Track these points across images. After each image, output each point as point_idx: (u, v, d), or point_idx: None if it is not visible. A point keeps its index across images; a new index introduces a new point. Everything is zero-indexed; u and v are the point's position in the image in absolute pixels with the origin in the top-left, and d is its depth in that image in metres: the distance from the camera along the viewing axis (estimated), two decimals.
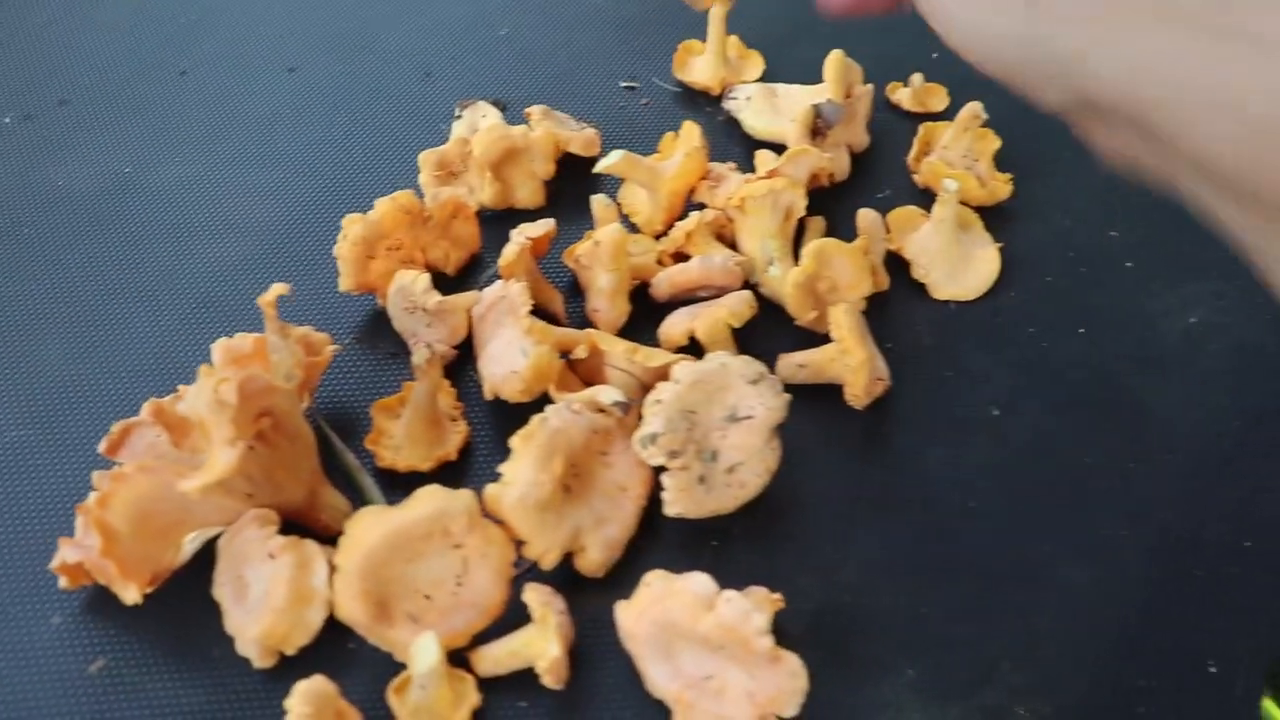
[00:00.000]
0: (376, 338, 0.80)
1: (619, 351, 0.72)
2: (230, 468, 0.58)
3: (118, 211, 0.90)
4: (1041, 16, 0.37)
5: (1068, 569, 0.70)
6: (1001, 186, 0.89)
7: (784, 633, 0.64)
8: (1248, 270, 0.84)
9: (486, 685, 0.63)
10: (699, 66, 0.98)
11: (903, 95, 0.98)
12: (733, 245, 0.82)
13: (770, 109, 0.92)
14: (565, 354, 0.74)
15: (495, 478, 0.64)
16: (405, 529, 0.61)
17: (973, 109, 0.89)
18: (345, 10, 1.11)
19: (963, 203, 0.87)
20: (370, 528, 0.61)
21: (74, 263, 0.86)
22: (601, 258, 0.76)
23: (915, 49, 1.04)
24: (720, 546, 0.70)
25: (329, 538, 0.65)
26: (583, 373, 0.75)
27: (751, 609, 0.57)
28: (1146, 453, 0.76)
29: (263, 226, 0.89)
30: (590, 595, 0.67)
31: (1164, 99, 0.33)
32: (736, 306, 0.74)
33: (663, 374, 0.68)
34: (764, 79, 0.99)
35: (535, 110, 0.89)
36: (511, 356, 0.70)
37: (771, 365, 0.76)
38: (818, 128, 0.86)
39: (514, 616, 0.64)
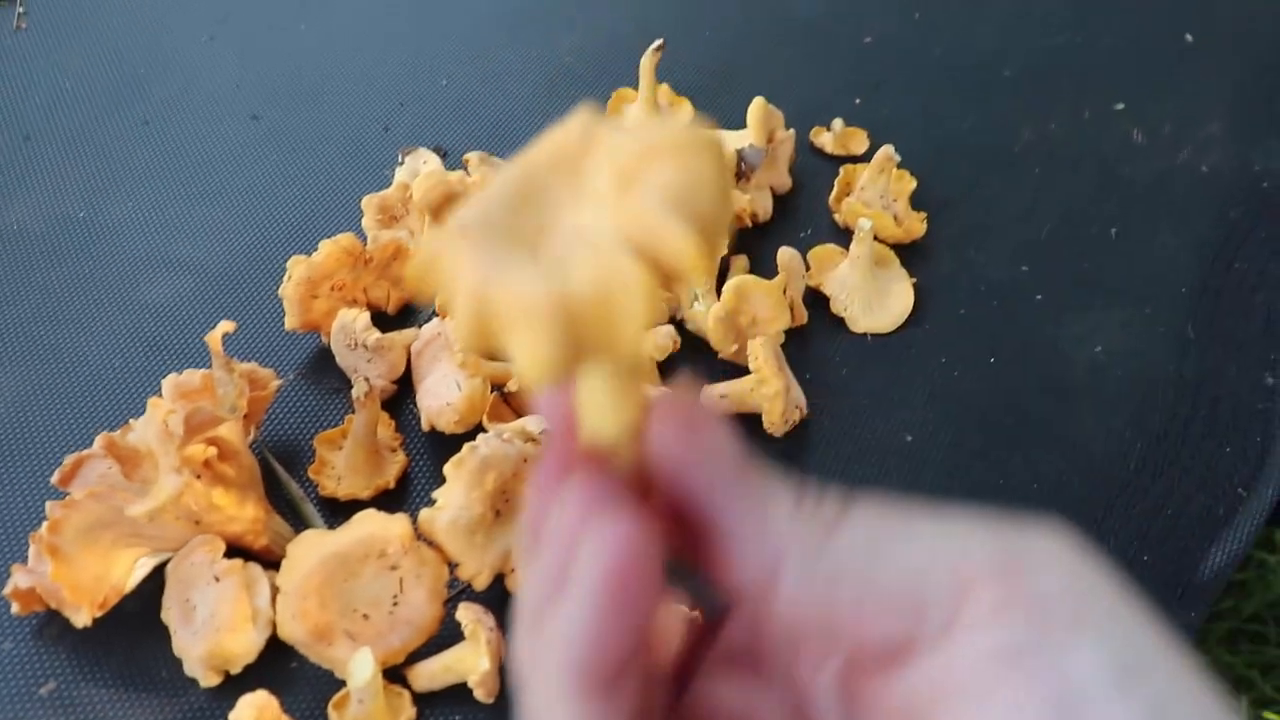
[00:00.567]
0: (320, 373, 0.84)
1: None
2: (175, 493, 0.62)
3: (70, 249, 0.94)
4: None
5: None
6: (917, 224, 0.94)
7: None
8: (1151, 301, 0.90)
9: (422, 700, 0.67)
10: (631, 113, 1.03)
11: (825, 139, 1.03)
12: None
13: None
14: (498, 387, 0.78)
15: (432, 504, 0.68)
16: (343, 551, 0.65)
17: (885, 152, 0.94)
18: (291, 60, 1.15)
19: (880, 240, 0.92)
20: (310, 550, 0.65)
21: (27, 300, 0.89)
22: None
23: (838, 96, 1.10)
24: None
25: (273, 561, 0.69)
26: (516, 405, 0.79)
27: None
28: (1051, 475, 0.81)
29: (212, 266, 0.92)
30: None
31: None
32: (659, 341, 0.78)
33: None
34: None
35: (473, 156, 0.93)
36: (447, 389, 0.74)
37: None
38: (741, 171, 0.91)
39: (449, 634, 0.68)
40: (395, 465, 0.76)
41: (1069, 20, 1.20)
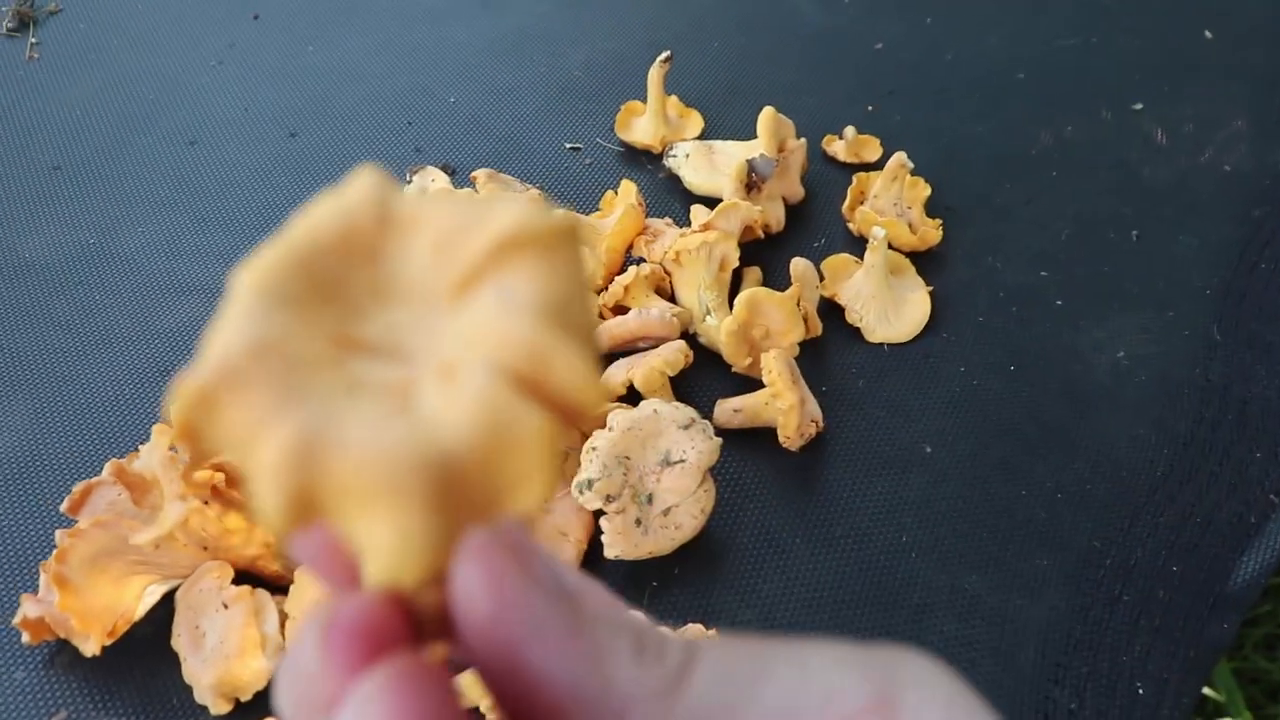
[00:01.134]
0: None
1: None
2: (179, 521, 0.61)
3: (83, 277, 0.94)
4: None
5: (998, 597, 0.73)
6: (932, 232, 0.93)
7: None
8: (1174, 304, 0.89)
9: None
10: (640, 126, 1.02)
11: (838, 148, 1.02)
12: (671, 297, 0.86)
13: (708, 165, 0.96)
14: None
15: None
16: None
17: (898, 159, 0.93)
18: (299, 83, 1.15)
19: (895, 248, 0.91)
20: None
21: (40, 329, 0.89)
22: None
23: (850, 104, 1.08)
24: (660, 586, 0.72)
25: (284, 586, 0.68)
26: None
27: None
28: (1075, 484, 0.79)
29: (221, 290, 0.91)
30: None
31: None
32: (671, 356, 0.77)
33: (601, 422, 0.71)
34: (703, 136, 1.03)
35: (481, 173, 0.93)
36: None
37: (711, 411, 0.79)
38: (752, 181, 0.90)
39: None
40: None
41: (1083, 21, 1.19)
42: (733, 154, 0.96)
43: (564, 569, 0.23)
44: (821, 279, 0.89)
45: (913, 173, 0.95)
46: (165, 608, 0.69)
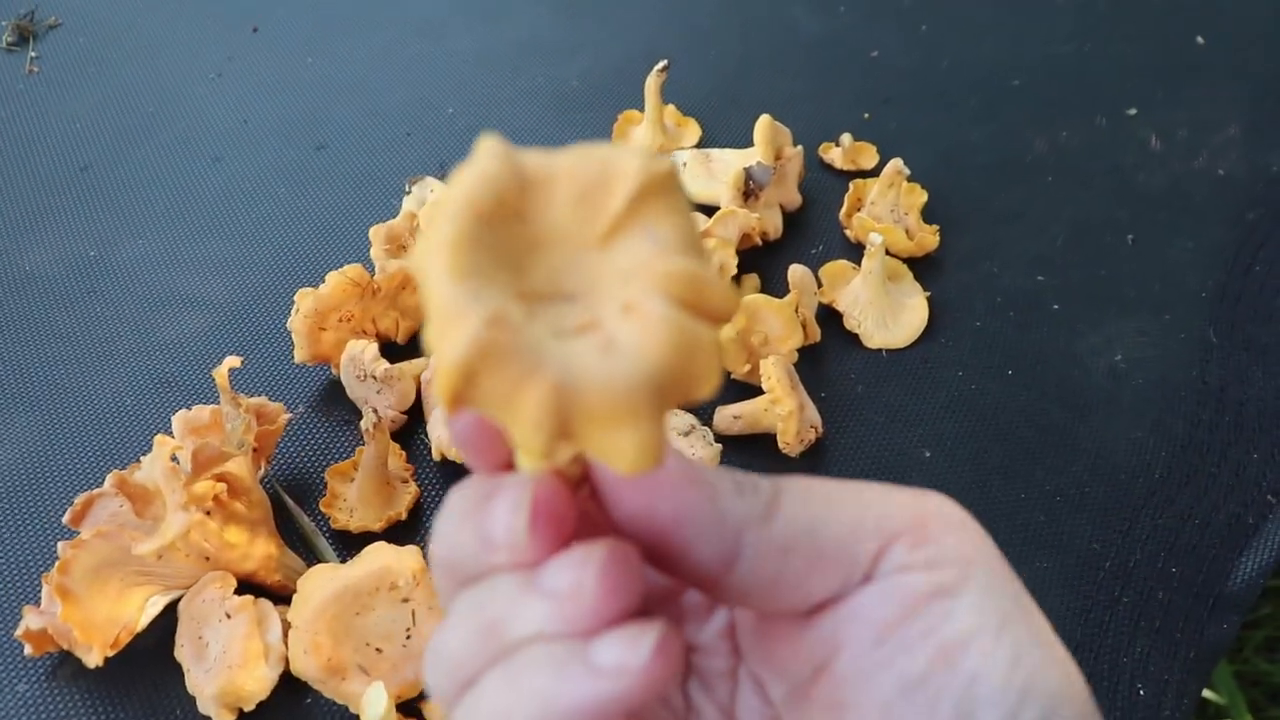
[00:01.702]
0: (331, 405, 0.83)
1: None
2: (181, 531, 0.61)
3: (82, 290, 0.94)
4: None
5: None
6: (929, 238, 0.93)
7: None
8: (1170, 307, 0.89)
9: None
10: (638, 135, 1.03)
11: (834, 155, 1.02)
12: None
13: (706, 173, 0.96)
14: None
15: None
16: (354, 585, 0.64)
17: (895, 165, 0.93)
18: (298, 94, 1.15)
19: (892, 254, 0.91)
20: (321, 585, 0.64)
21: (40, 342, 0.89)
22: None
23: (846, 111, 1.09)
24: None
25: (285, 596, 0.68)
26: None
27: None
28: (1074, 487, 0.80)
29: (222, 302, 0.92)
30: None
31: None
32: None
33: None
34: (700, 145, 1.04)
35: None
36: None
37: (710, 418, 0.80)
38: (749, 189, 0.90)
39: None
40: (407, 496, 0.76)
41: (1078, 28, 1.20)
42: (730, 162, 0.96)
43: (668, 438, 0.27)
44: (819, 285, 0.89)
45: (909, 179, 0.95)
46: (168, 618, 0.69)
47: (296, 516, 0.76)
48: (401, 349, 0.87)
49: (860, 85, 1.13)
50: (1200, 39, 1.17)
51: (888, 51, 1.17)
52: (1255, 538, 0.77)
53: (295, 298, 0.81)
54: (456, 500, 0.28)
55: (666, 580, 0.32)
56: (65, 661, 0.68)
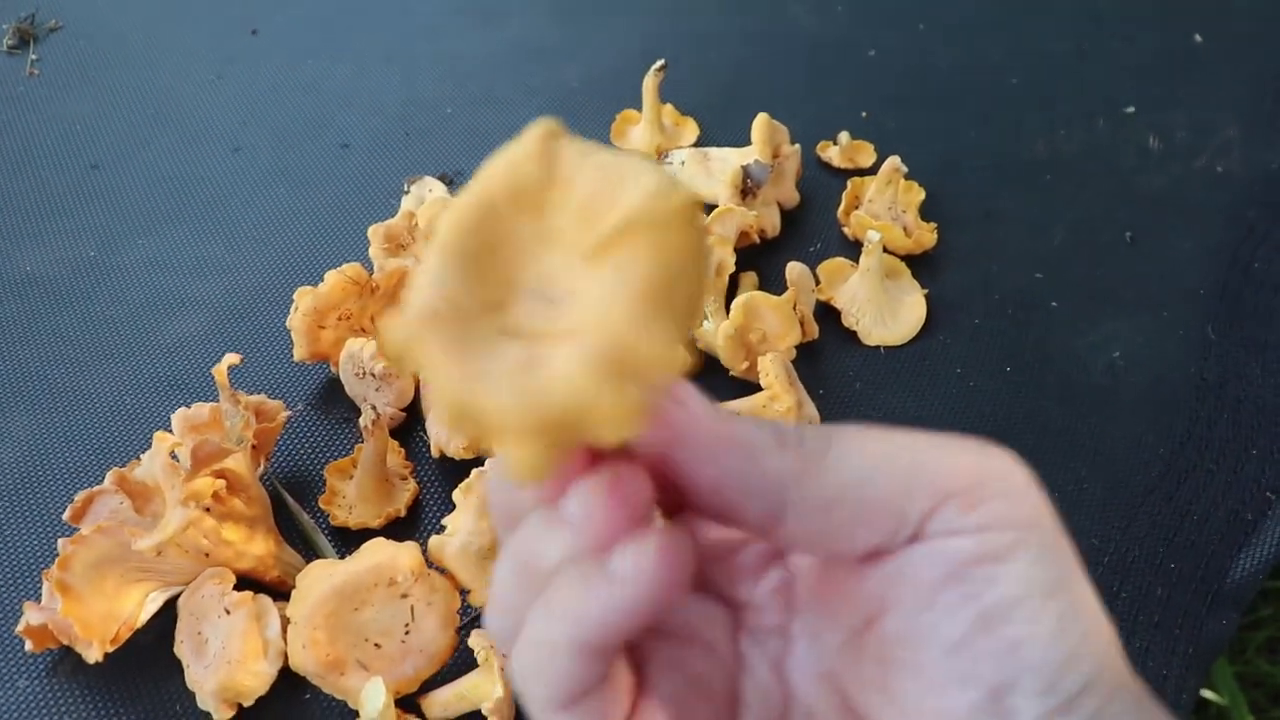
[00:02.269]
0: (330, 403, 0.84)
1: None
2: (181, 527, 0.61)
3: (83, 291, 0.94)
4: None
5: None
6: (927, 235, 0.93)
7: None
8: (1169, 305, 0.89)
9: None
10: (636, 134, 1.03)
11: (832, 153, 1.02)
12: None
13: (704, 172, 0.96)
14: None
15: (443, 531, 0.67)
16: (353, 581, 0.64)
17: (892, 163, 0.94)
18: (297, 95, 1.16)
19: (890, 252, 0.91)
20: (320, 581, 0.64)
21: (41, 342, 0.90)
22: None
23: (844, 110, 1.09)
24: None
25: (284, 592, 0.68)
26: None
27: None
28: (1073, 484, 0.80)
29: (222, 301, 0.92)
30: None
31: None
32: None
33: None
34: (699, 144, 1.04)
35: None
36: None
37: None
38: (747, 187, 0.91)
39: (462, 662, 0.67)
40: (406, 493, 0.76)
41: (1075, 27, 1.20)
42: (728, 161, 0.96)
43: (706, 401, 0.28)
44: (817, 283, 0.89)
45: (907, 177, 0.95)
46: (167, 614, 0.69)
47: (295, 513, 0.76)
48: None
49: (858, 84, 1.13)
50: (1199, 37, 1.17)
51: (885, 51, 1.18)
52: (1254, 534, 0.77)
53: (294, 296, 0.81)
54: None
55: (728, 533, 0.33)
56: (65, 657, 0.69)
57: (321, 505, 0.76)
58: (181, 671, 0.67)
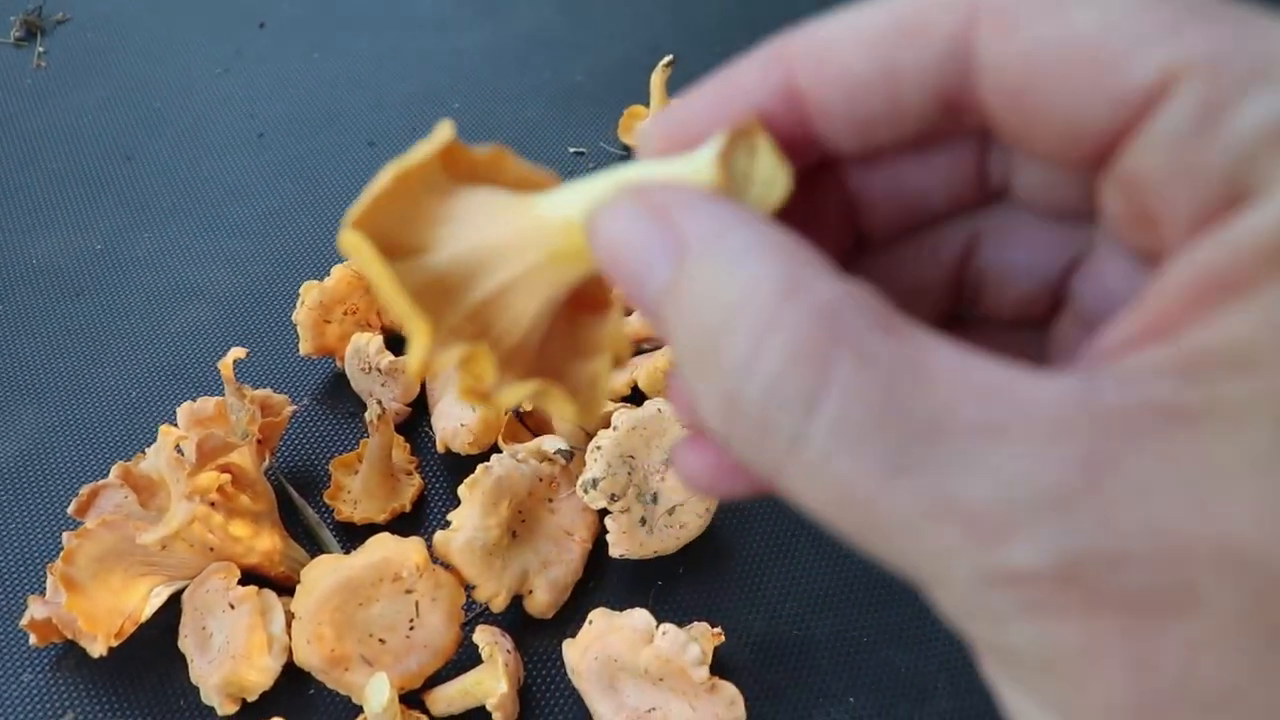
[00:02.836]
0: (336, 398, 0.83)
1: None
2: (186, 521, 0.61)
3: (89, 283, 0.94)
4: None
5: None
6: None
7: (729, 665, 0.67)
8: None
9: None
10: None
11: None
12: None
13: None
14: (514, 408, 0.77)
15: (448, 526, 0.67)
16: (358, 576, 0.64)
17: None
18: (304, 89, 1.15)
19: None
20: (324, 576, 0.64)
21: (47, 334, 0.90)
22: None
23: None
24: (665, 585, 0.72)
25: (289, 587, 0.68)
26: (533, 425, 0.78)
27: (687, 640, 0.60)
28: None
29: (229, 295, 0.92)
30: (540, 635, 0.70)
31: None
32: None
33: (606, 421, 0.71)
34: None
35: None
36: (461, 411, 0.74)
37: None
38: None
39: (466, 657, 0.67)
40: (411, 488, 0.76)
41: None
42: None
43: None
44: None
45: None
46: (172, 609, 0.69)
47: (300, 508, 0.76)
48: (405, 341, 0.87)
49: None
50: None
51: None
52: None
53: (301, 291, 0.81)
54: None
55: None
56: (70, 651, 0.69)
57: (326, 500, 0.76)
58: (186, 666, 0.67)
